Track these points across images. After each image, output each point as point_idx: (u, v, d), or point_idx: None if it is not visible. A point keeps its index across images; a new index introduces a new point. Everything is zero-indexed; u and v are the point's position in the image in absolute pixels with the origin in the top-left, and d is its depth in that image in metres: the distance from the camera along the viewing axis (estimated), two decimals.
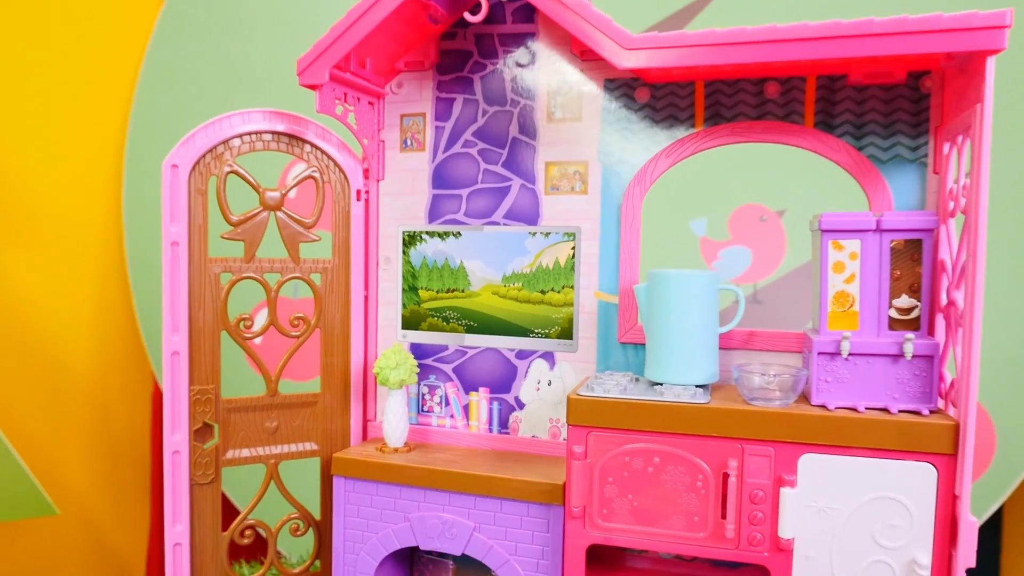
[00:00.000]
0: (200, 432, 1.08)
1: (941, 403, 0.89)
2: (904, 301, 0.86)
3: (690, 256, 2.01)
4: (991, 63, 0.78)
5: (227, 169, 1.07)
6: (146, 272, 3.00)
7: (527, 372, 1.10)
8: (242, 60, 2.90)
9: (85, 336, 2.80)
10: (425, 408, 1.16)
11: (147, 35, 3.02)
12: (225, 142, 1.07)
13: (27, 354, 2.57)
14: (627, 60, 0.89)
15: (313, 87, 1.01)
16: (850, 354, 0.86)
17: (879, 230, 0.86)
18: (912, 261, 0.85)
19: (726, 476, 0.87)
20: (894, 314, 0.86)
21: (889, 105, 0.95)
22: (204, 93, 2.94)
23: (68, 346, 2.71)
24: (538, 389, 1.10)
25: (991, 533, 1.75)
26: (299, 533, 1.16)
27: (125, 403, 2.76)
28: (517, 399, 1.11)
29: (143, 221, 2.99)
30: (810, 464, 0.84)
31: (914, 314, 0.86)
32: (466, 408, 1.14)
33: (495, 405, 1.12)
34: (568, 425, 0.91)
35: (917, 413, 0.84)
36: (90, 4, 2.79)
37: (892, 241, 0.86)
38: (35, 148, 2.72)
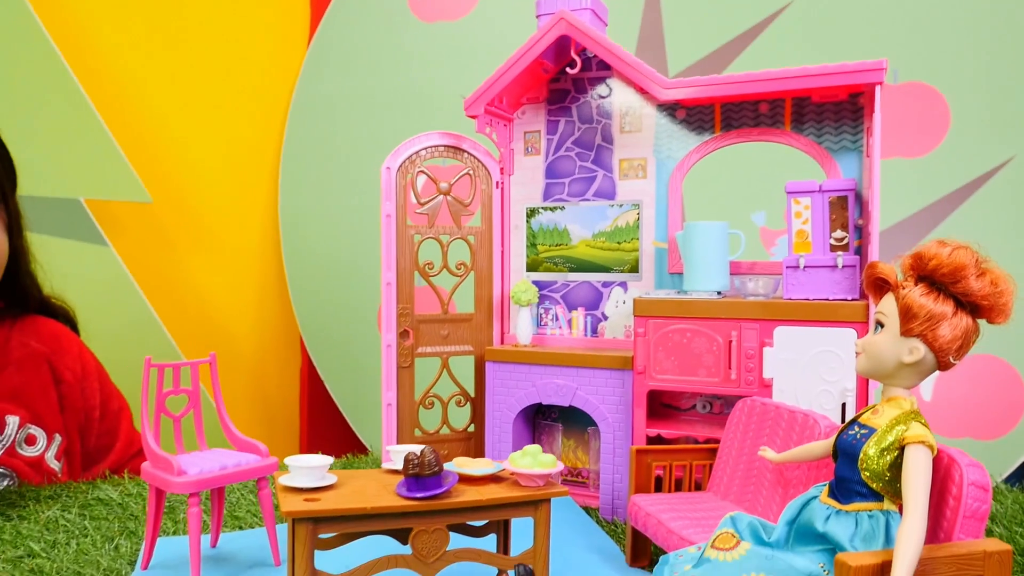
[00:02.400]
0: (402, 334, 1.71)
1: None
2: (839, 234, 1.41)
3: (751, 243, 2.53)
4: (879, 91, 1.33)
5: (418, 170, 1.71)
6: (300, 270, 3.69)
7: (609, 296, 1.69)
8: (375, 92, 3.55)
9: (248, 322, 3.51)
10: (542, 323, 1.76)
11: (295, 75, 3.70)
12: (416, 152, 1.70)
13: (206, 336, 3.29)
14: (666, 95, 1.48)
15: (473, 117, 1.63)
16: (805, 266, 1.41)
17: (821, 191, 1.41)
18: (842, 209, 1.40)
19: (730, 342, 1.43)
20: (833, 242, 1.41)
21: (838, 115, 1.50)
22: (343, 121, 3.62)
23: (235, 330, 3.43)
24: (617, 306, 1.69)
25: None
26: (461, 404, 1.77)
27: (280, 376, 3.45)
28: (603, 313, 1.70)
29: (296, 228, 3.69)
30: (781, 333, 1.40)
31: (844, 242, 1.40)
32: (569, 321, 1.73)
33: (588, 318, 1.72)
34: (634, 316, 1.50)
35: (845, 300, 1.38)
36: (248, 53, 3.49)
37: (829, 198, 1.41)
38: (210, 176, 3.45)
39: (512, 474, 1.06)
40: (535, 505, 1.04)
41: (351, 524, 0.97)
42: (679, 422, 1.56)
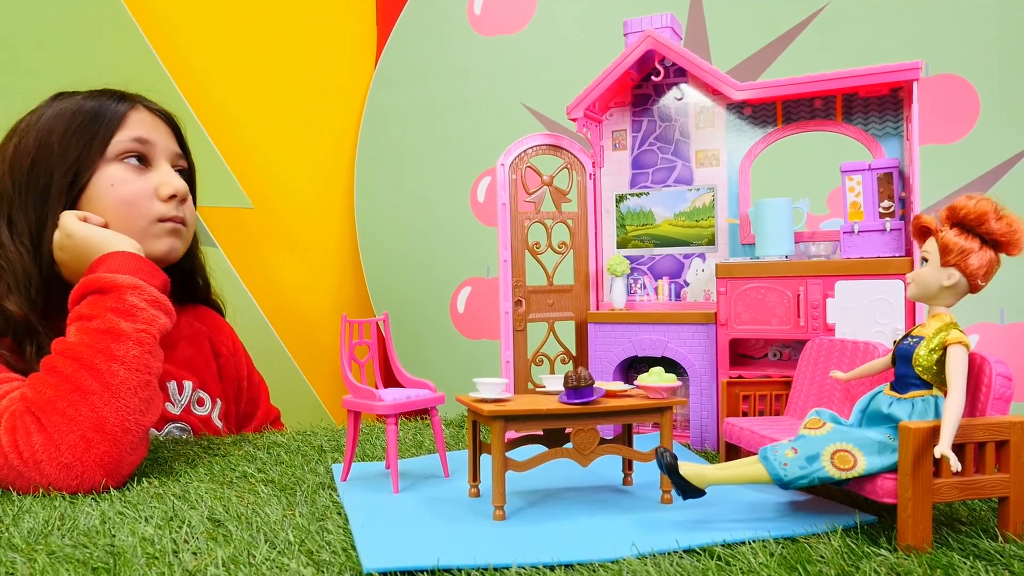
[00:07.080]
0: (516, 303, 2.05)
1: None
2: (886, 204, 1.72)
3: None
4: (916, 86, 1.64)
5: (525, 166, 2.05)
6: (376, 267, 4.03)
7: (690, 265, 2.02)
8: (439, 103, 3.90)
9: (328, 316, 3.87)
10: (631, 292, 2.09)
11: (365, 92, 4.06)
12: (524, 150, 2.04)
13: (292, 328, 3.65)
14: (737, 95, 1.81)
15: (574, 120, 1.97)
16: (859, 231, 1.72)
17: (870, 169, 1.72)
18: (888, 183, 1.71)
19: (798, 296, 1.74)
20: (881, 210, 1.72)
21: (881, 107, 1.81)
22: (410, 131, 3.97)
23: (317, 323, 3.78)
24: (696, 274, 2.01)
25: None
26: (564, 362, 2.11)
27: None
28: (685, 280, 2.02)
29: (371, 229, 4.05)
30: (841, 286, 1.71)
31: (891, 210, 1.71)
32: (656, 289, 2.06)
33: (672, 285, 2.04)
34: (717, 278, 1.82)
35: (893, 257, 1.69)
36: (323, 74, 3.87)
37: (877, 174, 1.72)
38: (294, 184, 3.82)
39: (642, 388, 1.39)
40: (661, 412, 1.37)
41: (529, 423, 1.31)
42: (755, 367, 1.88)
